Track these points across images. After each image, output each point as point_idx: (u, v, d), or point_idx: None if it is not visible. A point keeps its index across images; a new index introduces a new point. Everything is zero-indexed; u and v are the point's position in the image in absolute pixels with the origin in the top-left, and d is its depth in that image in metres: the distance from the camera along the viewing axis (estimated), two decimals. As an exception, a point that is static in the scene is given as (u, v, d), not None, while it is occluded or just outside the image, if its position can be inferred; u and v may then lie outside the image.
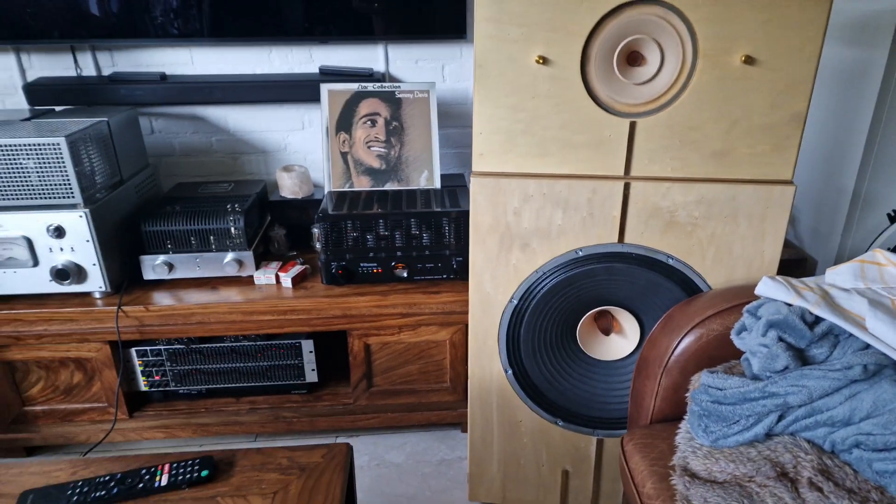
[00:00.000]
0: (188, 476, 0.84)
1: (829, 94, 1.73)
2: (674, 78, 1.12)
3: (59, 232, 1.46)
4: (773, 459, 0.91)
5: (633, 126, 1.15)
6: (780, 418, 0.93)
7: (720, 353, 1.09)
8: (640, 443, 1.10)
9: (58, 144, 1.39)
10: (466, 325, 1.63)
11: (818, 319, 0.97)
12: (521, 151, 1.19)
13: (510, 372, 1.38)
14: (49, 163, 1.41)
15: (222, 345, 1.65)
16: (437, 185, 1.75)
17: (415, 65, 1.93)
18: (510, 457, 1.47)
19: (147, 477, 0.84)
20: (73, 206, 1.46)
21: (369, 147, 1.74)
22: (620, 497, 1.49)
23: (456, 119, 1.99)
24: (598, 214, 1.21)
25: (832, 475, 0.87)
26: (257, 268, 1.66)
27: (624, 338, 1.38)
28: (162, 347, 1.64)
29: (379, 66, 1.91)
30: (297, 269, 1.66)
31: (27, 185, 1.43)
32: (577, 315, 1.34)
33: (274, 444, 1.51)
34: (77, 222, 1.46)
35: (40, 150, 1.39)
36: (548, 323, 1.33)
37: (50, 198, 1.45)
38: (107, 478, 0.84)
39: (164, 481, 0.84)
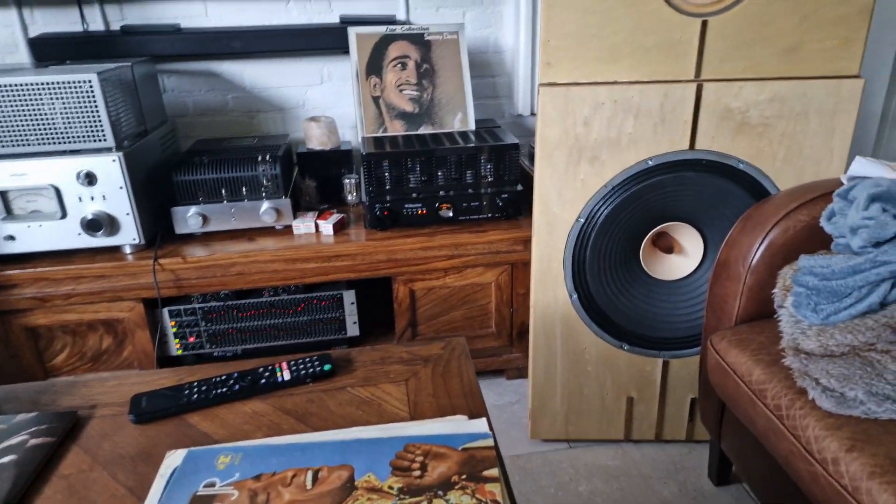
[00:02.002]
0: (311, 370, 0.79)
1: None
2: (744, -27, 1.12)
3: (90, 179, 1.37)
4: (894, 325, 0.91)
5: (704, 25, 1.15)
6: (893, 287, 0.93)
7: (808, 246, 1.09)
8: (735, 339, 1.08)
9: (89, 81, 1.31)
10: (512, 266, 1.60)
11: (917, 192, 0.97)
12: (590, 57, 1.17)
13: (575, 296, 1.35)
14: (79, 103, 1.32)
15: (260, 299, 1.58)
16: (472, 126, 1.71)
17: (436, 12, 1.89)
18: (574, 388, 1.44)
19: (267, 374, 0.78)
20: (106, 150, 1.37)
21: (401, 90, 1.69)
22: (685, 422, 1.47)
23: (478, 68, 1.97)
24: (670, 120, 1.20)
25: (957, 332, 0.87)
26: (294, 218, 1.59)
27: (685, 257, 1.37)
28: (197, 306, 1.55)
29: (400, 15, 1.87)
30: (336, 217, 1.60)
31: (53, 129, 1.34)
32: (641, 234, 1.32)
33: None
34: (110, 167, 1.37)
35: (70, 87, 1.31)
36: (613, 243, 1.31)
37: (80, 142, 1.36)
38: (223, 377, 0.77)
39: (286, 376, 0.78)
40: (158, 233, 1.53)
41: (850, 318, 0.95)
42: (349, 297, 1.62)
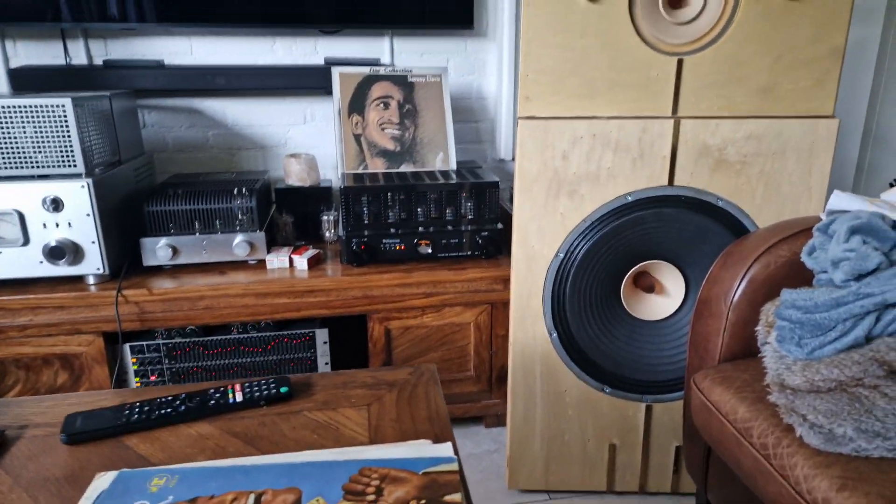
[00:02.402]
0: (265, 392, 0.73)
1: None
2: (718, 15, 1.14)
3: (56, 205, 1.33)
4: (881, 359, 0.87)
5: (680, 64, 1.16)
6: (878, 320, 0.90)
7: (790, 282, 1.07)
8: (718, 377, 1.04)
9: (63, 106, 1.29)
10: (492, 306, 1.56)
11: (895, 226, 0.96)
12: (569, 92, 1.17)
13: (555, 335, 1.31)
14: (51, 127, 1.30)
15: (228, 336, 1.51)
16: (453, 166, 1.71)
17: (420, 58, 1.92)
18: (554, 433, 1.37)
19: (218, 395, 0.72)
20: (74, 177, 1.34)
21: (383, 129, 1.69)
22: (670, 472, 1.40)
23: (461, 113, 1.98)
24: (649, 155, 1.19)
25: (945, 366, 0.84)
26: (268, 252, 1.55)
27: (667, 297, 1.34)
28: (161, 342, 1.49)
29: (385, 59, 1.90)
30: (312, 252, 1.57)
31: (22, 153, 1.31)
32: (622, 271, 1.30)
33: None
34: (78, 193, 1.33)
35: (43, 111, 1.29)
36: (593, 280, 1.28)
37: (48, 167, 1.32)
38: (169, 397, 0.72)
39: (238, 398, 0.72)
40: (125, 264, 1.48)
41: (835, 353, 0.92)
42: (322, 335, 1.56)
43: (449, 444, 0.64)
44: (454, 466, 0.60)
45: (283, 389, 0.74)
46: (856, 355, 0.90)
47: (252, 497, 0.56)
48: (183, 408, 0.69)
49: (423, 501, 0.55)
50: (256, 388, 0.73)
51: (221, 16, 1.72)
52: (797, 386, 0.91)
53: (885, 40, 1.60)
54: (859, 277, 0.94)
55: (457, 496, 0.56)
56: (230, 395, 0.72)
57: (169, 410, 0.69)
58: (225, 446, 0.65)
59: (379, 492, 0.56)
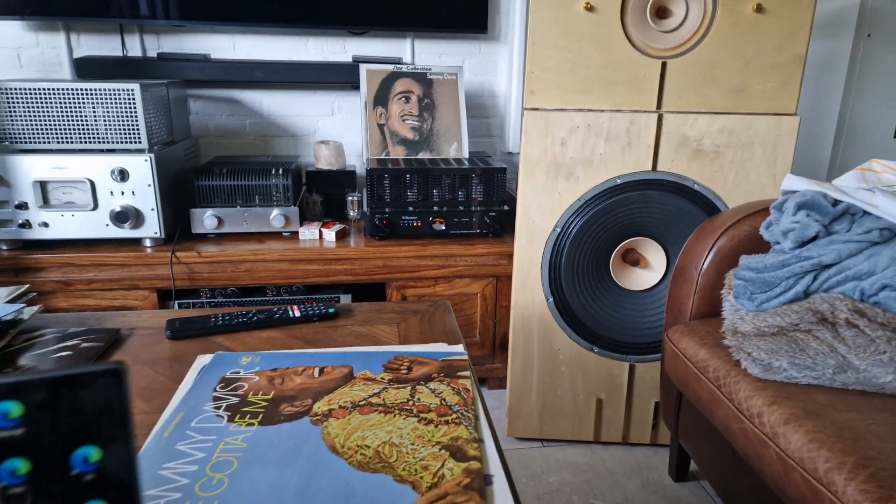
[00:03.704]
0: (317, 312, 0.93)
1: (807, 82, 2.01)
2: (697, 25, 1.34)
3: (122, 175, 1.54)
4: (814, 309, 1.06)
5: (664, 66, 1.36)
6: (815, 279, 1.09)
7: (750, 252, 1.26)
8: (687, 330, 1.23)
9: (132, 90, 1.50)
10: (497, 279, 1.76)
11: (836, 203, 1.15)
12: (568, 88, 1.37)
13: (551, 300, 1.50)
14: (121, 108, 1.51)
15: (263, 298, 1.72)
16: (466, 154, 1.91)
17: (438, 58, 2.13)
18: (548, 388, 1.56)
19: (280, 312, 0.92)
20: (139, 151, 1.55)
21: (404, 120, 1.90)
22: (650, 427, 1.59)
23: (474, 109, 2.18)
24: (635, 143, 1.39)
25: (865, 314, 1.03)
26: (300, 225, 1.75)
27: (650, 270, 1.53)
28: (205, 300, 1.69)
29: (406, 58, 2.11)
30: (339, 226, 1.77)
31: (94, 130, 1.52)
32: (610, 247, 1.49)
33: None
34: (142, 166, 1.54)
35: (115, 94, 1.50)
36: (586, 252, 1.47)
37: (117, 142, 1.53)
38: (244, 311, 0.92)
39: (296, 314, 0.92)
40: (177, 230, 1.69)
41: (779, 305, 1.11)
42: (346, 300, 1.76)
43: (460, 345, 0.84)
44: (464, 357, 0.80)
45: (331, 311, 0.94)
46: (795, 307, 1.09)
47: (317, 370, 0.76)
48: (255, 318, 0.90)
49: (442, 374, 0.75)
50: (310, 309, 0.93)
51: (262, 16, 1.93)
52: (747, 332, 1.10)
53: (855, 50, 1.79)
54: (803, 244, 1.13)
55: (466, 372, 0.75)
56: (290, 312, 0.92)
57: (244, 319, 0.89)
58: (289, 344, 0.85)
59: (409, 369, 0.76)
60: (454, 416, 0.66)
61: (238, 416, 0.66)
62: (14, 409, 0.27)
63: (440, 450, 0.60)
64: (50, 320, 0.91)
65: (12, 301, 0.86)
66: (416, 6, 1.99)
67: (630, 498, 1.41)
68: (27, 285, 0.91)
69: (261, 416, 0.66)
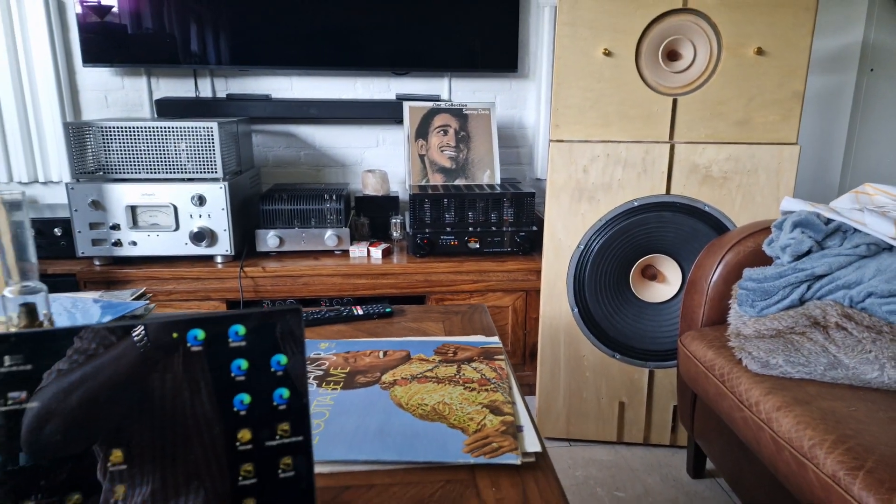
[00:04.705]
0: (376, 311, 1.12)
1: (815, 114, 2.15)
2: (704, 66, 1.51)
3: (201, 200, 1.77)
4: (807, 314, 1.21)
5: (675, 102, 1.53)
6: (809, 288, 1.24)
7: (754, 265, 1.41)
8: (697, 335, 1.38)
9: (211, 128, 1.74)
10: (527, 293, 1.93)
11: (829, 221, 1.30)
12: (589, 123, 1.56)
13: (576, 310, 1.67)
14: (201, 143, 1.75)
15: (318, 308, 1.92)
16: (498, 180, 2.10)
17: (472, 94, 2.34)
18: (574, 391, 1.72)
19: (346, 311, 1.12)
20: (215, 180, 1.78)
21: (442, 151, 2.11)
22: (669, 428, 1.73)
23: (505, 140, 2.39)
24: (650, 170, 1.56)
25: (853, 318, 1.17)
26: (350, 244, 1.96)
27: (667, 285, 1.69)
28: (265, 311, 1.90)
29: (444, 95, 2.33)
30: (384, 245, 1.97)
31: (177, 162, 1.76)
32: (630, 262, 1.65)
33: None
34: (217, 193, 1.77)
35: (196, 132, 1.74)
36: (608, 267, 1.64)
37: (196, 172, 1.77)
38: (318, 310, 1.11)
39: (359, 312, 1.11)
40: (244, 248, 1.91)
41: (777, 311, 1.25)
42: (390, 313, 1.94)
43: (496, 337, 1.01)
44: (499, 345, 0.97)
45: (388, 310, 1.13)
46: (791, 312, 1.23)
47: (381, 353, 0.94)
48: (327, 315, 1.09)
49: (482, 357, 0.92)
50: (371, 308, 1.13)
51: (316, 60, 2.18)
52: (748, 334, 1.25)
53: (859, 83, 1.94)
54: (798, 258, 1.28)
55: (501, 356, 0.93)
56: (354, 311, 1.11)
57: (319, 316, 1.09)
58: (356, 335, 1.04)
59: (455, 353, 0.94)
60: (492, 386, 0.84)
61: (324, 383, 0.85)
62: (241, 329, 0.46)
63: (482, 408, 0.78)
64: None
65: (136, 300, 1.08)
66: (452, 49, 2.21)
67: (650, 491, 1.54)
68: (144, 288, 1.12)
69: (342, 383, 0.84)
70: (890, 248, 1.23)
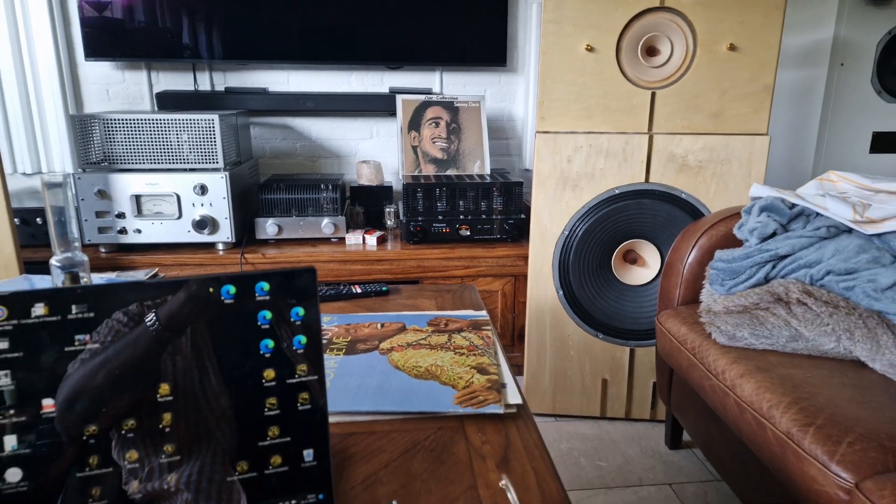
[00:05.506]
0: (374, 289, 1.21)
1: (788, 109, 2.26)
2: (681, 61, 1.61)
3: (203, 190, 1.85)
4: (771, 291, 1.31)
5: (653, 95, 1.63)
6: (773, 267, 1.34)
7: (725, 248, 1.51)
8: (672, 313, 1.48)
9: (212, 120, 1.82)
10: (515, 278, 2.02)
11: (793, 206, 1.40)
12: (572, 115, 1.65)
13: (561, 293, 1.76)
14: (202, 135, 1.83)
15: (318, 289, 2.00)
16: (488, 171, 2.19)
17: (463, 88, 2.43)
18: (559, 370, 1.82)
19: (345, 289, 1.21)
20: (216, 170, 1.86)
21: (434, 142, 2.19)
22: (649, 404, 1.83)
23: (495, 132, 2.47)
24: (630, 160, 1.66)
25: (813, 294, 1.27)
26: (346, 232, 2.05)
27: (647, 268, 1.78)
28: (265, 296, 1.98)
29: (436, 88, 2.41)
30: (379, 233, 2.06)
31: (179, 153, 1.84)
32: (612, 246, 1.75)
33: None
34: (218, 182, 1.85)
35: (197, 123, 1.82)
36: (591, 252, 1.74)
37: (198, 163, 1.85)
38: (319, 289, 1.20)
39: (358, 290, 1.20)
40: (244, 236, 2.00)
41: (745, 289, 1.35)
42: (384, 298, 2.03)
43: (484, 311, 1.11)
44: (486, 318, 1.07)
45: (384, 289, 1.22)
46: (757, 290, 1.33)
47: (379, 324, 1.03)
48: (328, 293, 1.18)
49: (471, 328, 1.02)
50: (368, 286, 1.22)
51: (312, 55, 2.25)
52: (718, 311, 1.35)
53: (830, 77, 2.04)
54: (764, 240, 1.38)
55: (488, 327, 1.02)
56: (353, 289, 1.20)
57: (320, 294, 1.17)
58: (355, 311, 1.13)
59: (446, 325, 1.03)
60: (479, 351, 0.93)
61: (328, 350, 0.94)
62: (266, 285, 0.55)
63: (470, 369, 0.87)
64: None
65: (150, 279, 1.16)
66: (444, 44, 2.29)
67: (630, 461, 1.64)
68: (157, 269, 1.20)
69: (344, 349, 0.94)
70: (848, 230, 1.33)
